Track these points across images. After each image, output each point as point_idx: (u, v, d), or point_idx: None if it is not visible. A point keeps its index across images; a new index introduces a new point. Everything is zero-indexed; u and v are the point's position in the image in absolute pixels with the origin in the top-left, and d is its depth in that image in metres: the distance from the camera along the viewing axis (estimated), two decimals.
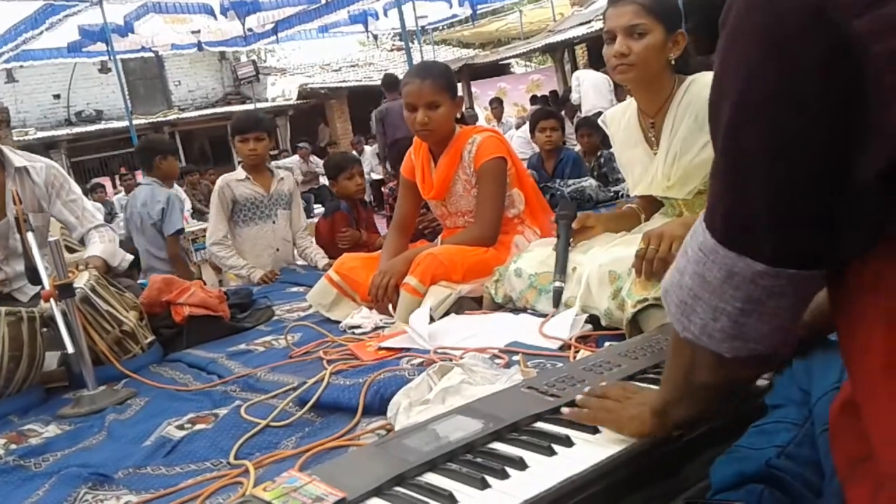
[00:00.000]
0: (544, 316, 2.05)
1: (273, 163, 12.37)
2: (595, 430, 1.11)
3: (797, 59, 0.62)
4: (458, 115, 2.76)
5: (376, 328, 2.33)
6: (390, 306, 2.39)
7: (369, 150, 13.26)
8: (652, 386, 1.25)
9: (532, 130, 5.29)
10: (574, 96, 10.65)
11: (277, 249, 3.86)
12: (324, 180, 10.70)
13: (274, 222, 3.83)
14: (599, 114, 3.30)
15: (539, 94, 15.03)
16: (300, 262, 3.98)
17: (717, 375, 0.84)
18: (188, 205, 10.24)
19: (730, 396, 0.98)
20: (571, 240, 2.15)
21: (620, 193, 4.44)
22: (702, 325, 0.78)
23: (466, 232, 2.63)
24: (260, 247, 3.80)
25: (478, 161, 2.61)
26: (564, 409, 1.15)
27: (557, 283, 2.03)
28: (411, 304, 2.28)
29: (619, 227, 2.30)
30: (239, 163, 3.91)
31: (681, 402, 0.96)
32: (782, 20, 0.63)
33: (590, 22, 15.30)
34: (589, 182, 4.52)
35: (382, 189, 7.71)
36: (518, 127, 10.48)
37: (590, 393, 1.18)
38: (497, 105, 13.11)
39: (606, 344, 1.77)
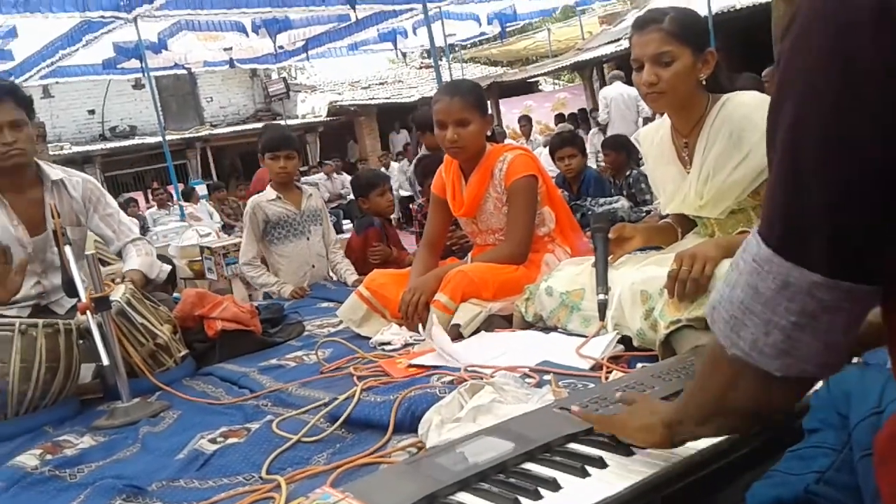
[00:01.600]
0: (575, 335, 2.05)
1: (303, 179, 12.48)
2: (629, 453, 1.11)
3: (862, 64, 0.62)
4: (489, 133, 2.77)
5: (406, 345, 2.33)
6: (420, 326, 2.40)
7: (396, 166, 13.33)
8: None
9: (552, 157, 5.29)
10: (602, 116, 10.59)
11: (313, 266, 3.88)
12: (350, 197, 10.78)
13: (308, 239, 3.86)
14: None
15: (567, 113, 15.04)
16: (333, 277, 4.01)
17: (756, 398, 0.82)
18: (216, 218, 10.37)
19: (758, 423, 0.95)
20: (610, 255, 2.14)
21: (651, 213, 4.42)
22: (752, 340, 0.76)
23: (497, 250, 2.63)
24: (296, 264, 3.83)
25: (509, 179, 2.61)
26: (574, 408, 1.15)
27: (601, 297, 2.01)
28: (441, 321, 2.29)
29: (657, 240, 2.29)
30: (269, 182, 3.95)
31: (704, 422, 0.94)
32: (846, 25, 0.62)
33: (618, 40, 15.28)
34: (620, 203, 4.52)
35: (410, 206, 7.74)
36: (545, 145, 10.48)
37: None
38: (526, 123, 13.15)
39: (639, 365, 1.76)
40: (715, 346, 0.83)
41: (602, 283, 2.03)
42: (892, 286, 0.70)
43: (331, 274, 4.00)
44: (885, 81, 0.61)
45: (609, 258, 2.12)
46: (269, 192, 3.83)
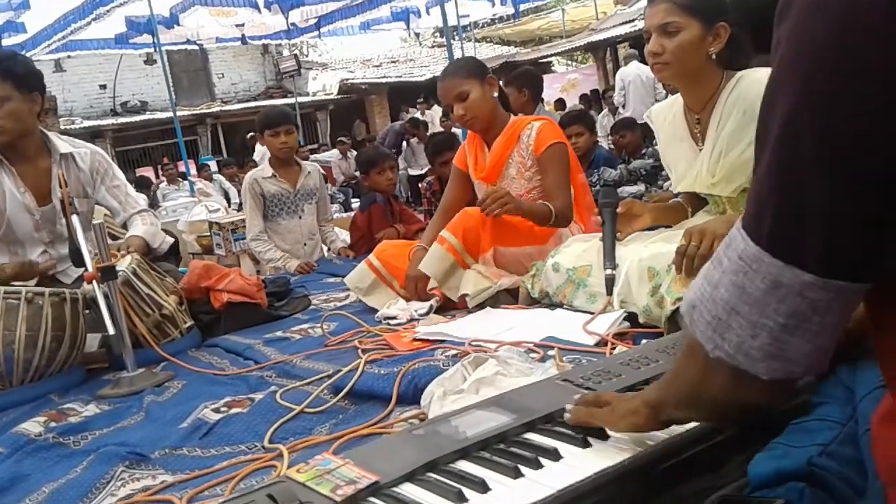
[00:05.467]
0: (581, 312, 2.04)
1: (312, 156, 12.43)
2: None
3: (865, 58, 0.59)
4: (497, 94, 2.77)
5: (412, 320, 2.33)
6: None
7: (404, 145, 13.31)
8: None
9: None
10: (617, 98, 10.43)
11: (305, 244, 3.91)
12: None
13: (300, 217, 3.88)
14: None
15: (575, 95, 14.91)
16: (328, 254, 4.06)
17: (733, 394, 0.79)
18: (234, 196, 10.40)
19: (735, 417, 0.92)
20: (618, 232, 2.13)
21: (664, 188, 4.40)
22: (738, 343, 0.73)
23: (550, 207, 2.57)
24: (288, 242, 3.86)
25: (539, 146, 2.63)
26: (567, 416, 1.10)
27: (609, 271, 2.00)
28: (439, 256, 2.37)
29: (667, 219, 2.27)
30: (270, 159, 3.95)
31: (679, 406, 0.91)
32: (852, 13, 0.59)
33: (633, 21, 15.15)
34: (619, 170, 4.53)
35: (420, 185, 7.72)
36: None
37: (581, 400, 1.13)
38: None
39: (644, 341, 1.75)
40: (692, 340, 0.79)
41: (609, 258, 2.02)
42: (885, 281, 0.67)
43: (323, 251, 4.03)
44: (888, 81, 0.58)
45: (617, 234, 2.11)
46: (266, 169, 3.84)
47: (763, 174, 0.69)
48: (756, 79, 1.99)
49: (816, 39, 0.62)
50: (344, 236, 4.30)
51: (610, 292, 1.98)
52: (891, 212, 0.62)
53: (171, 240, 2.91)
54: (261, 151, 12.82)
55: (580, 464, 1.00)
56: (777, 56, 0.67)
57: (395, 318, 2.37)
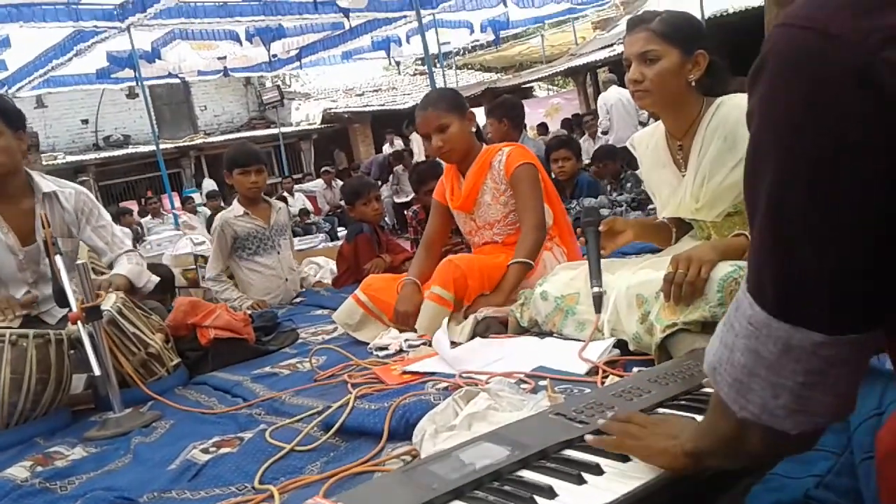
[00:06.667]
0: (571, 339, 2.03)
1: (297, 186, 12.35)
2: (626, 459, 1.09)
3: (842, 125, 0.60)
4: (474, 129, 2.81)
5: (401, 351, 2.32)
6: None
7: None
8: (681, 413, 1.22)
9: (547, 160, 5.28)
10: (604, 123, 10.43)
11: (287, 280, 3.87)
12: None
13: (279, 252, 3.84)
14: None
15: (559, 119, 14.97)
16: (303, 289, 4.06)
17: (768, 449, 0.80)
18: None
19: (776, 459, 0.95)
20: (602, 250, 2.13)
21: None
22: (761, 404, 0.74)
23: (521, 244, 2.60)
24: (268, 278, 3.81)
25: (509, 168, 2.67)
26: (588, 437, 1.12)
27: (596, 289, 2.00)
28: (436, 314, 2.34)
29: (650, 236, 2.28)
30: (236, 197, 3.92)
31: (719, 459, 0.92)
32: (823, 84, 0.60)
33: (612, 45, 15.33)
34: (600, 199, 4.55)
35: (406, 212, 7.73)
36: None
37: (613, 419, 1.15)
38: None
39: (635, 369, 1.75)
40: (721, 399, 0.81)
41: (595, 277, 2.02)
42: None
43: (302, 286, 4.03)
44: (867, 146, 0.60)
45: (602, 252, 2.11)
46: (237, 209, 3.80)
47: (757, 242, 0.70)
48: (735, 104, 2.01)
49: (788, 113, 0.63)
50: (332, 265, 4.29)
51: (598, 310, 1.98)
52: (887, 264, 0.62)
53: (157, 279, 2.88)
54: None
55: (575, 501, 0.99)
56: (753, 127, 0.67)
57: (387, 347, 2.36)
